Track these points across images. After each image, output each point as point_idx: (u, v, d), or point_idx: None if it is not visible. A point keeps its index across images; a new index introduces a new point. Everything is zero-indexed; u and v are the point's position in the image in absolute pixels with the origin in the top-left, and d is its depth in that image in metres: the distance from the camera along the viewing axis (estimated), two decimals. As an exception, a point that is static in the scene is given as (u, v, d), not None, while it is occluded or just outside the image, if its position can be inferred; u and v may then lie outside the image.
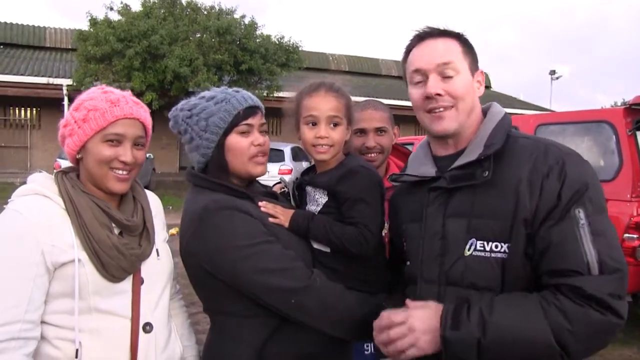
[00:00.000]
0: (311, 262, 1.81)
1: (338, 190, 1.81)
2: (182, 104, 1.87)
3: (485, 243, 1.44)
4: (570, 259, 1.33)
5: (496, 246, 1.42)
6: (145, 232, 1.73)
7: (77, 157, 1.66)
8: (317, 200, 1.88)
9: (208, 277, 1.74)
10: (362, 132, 2.37)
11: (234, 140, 1.79)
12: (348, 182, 1.80)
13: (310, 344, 1.76)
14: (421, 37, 1.60)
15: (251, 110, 1.81)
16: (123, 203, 1.73)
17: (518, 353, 1.32)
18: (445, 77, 1.54)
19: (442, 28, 1.60)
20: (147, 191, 1.90)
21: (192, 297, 2.03)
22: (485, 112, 1.64)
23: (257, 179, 1.95)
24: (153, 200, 1.89)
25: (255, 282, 1.68)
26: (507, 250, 1.41)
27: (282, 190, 2.09)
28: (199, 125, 1.79)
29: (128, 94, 1.72)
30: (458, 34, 1.60)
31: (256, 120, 1.82)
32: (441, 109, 1.55)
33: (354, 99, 1.95)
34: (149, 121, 1.74)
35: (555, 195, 1.37)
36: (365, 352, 2.33)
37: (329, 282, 1.75)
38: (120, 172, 1.65)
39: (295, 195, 2.01)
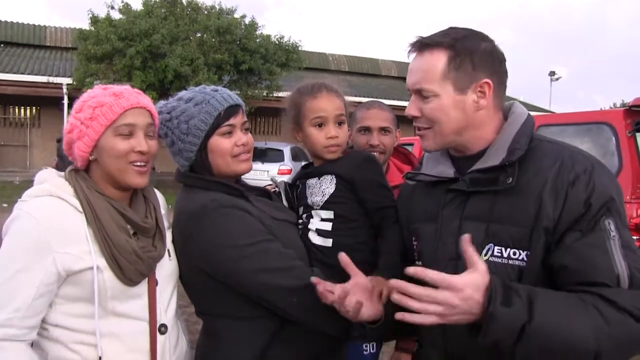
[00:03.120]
0: (307, 260, 1.80)
1: (359, 175, 1.85)
2: (160, 106, 1.83)
3: (503, 249, 1.39)
4: (601, 272, 1.28)
5: (514, 253, 1.38)
6: (158, 233, 1.70)
7: (91, 158, 1.61)
8: (324, 190, 1.87)
9: (205, 278, 1.72)
10: (367, 130, 2.41)
11: (217, 142, 1.76)
12: (369, 167, 1.89)
13: (309, 346, 1.76)
14: (409, 50, 1.53)
15: (232, 110, 1.78)
16: (134, 203, 1.70)
17: (556, 346, 1.23)
18: (424, 98, 1.48)
19: (429, 39, 1.49)
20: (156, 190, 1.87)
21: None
22: (507, 112, 1.56)
23: (246, 179, 1.95)
24: (159, 198, 1.86)
25: (257, 282, 1.66)
26: (525, 259, 1.37)
27: (274, 190, 2.09)
28: (180, 129, 1.76)
29: (128, 86, 1.69)
30: (450, 42, 1.46)
31: (238, 120, 1.79)
32: (421, 129, 1.54)
33: (354, 99, 1.99)
34: (154, 109, 1.71)
35: (581, 204, 1.33)
36: (364, 353, 2.34)
37: (328, 281, 1.74)
38: (139, 164, 1.62)
39: (288, 194, 2.00)
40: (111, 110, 1.58)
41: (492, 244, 1.41)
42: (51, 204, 1.54)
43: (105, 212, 1.57)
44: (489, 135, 1.51)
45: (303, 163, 2.07)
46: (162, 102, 1.85)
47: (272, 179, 2.21)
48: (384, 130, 2.42)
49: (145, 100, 1.67)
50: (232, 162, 1.78)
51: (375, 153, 2.39)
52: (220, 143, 1.76)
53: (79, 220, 1.55)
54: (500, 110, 1.54)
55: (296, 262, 1.71)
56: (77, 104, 1.64)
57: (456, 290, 1.21)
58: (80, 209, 1.56)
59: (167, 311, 1.70)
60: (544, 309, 1.23)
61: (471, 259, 1.25)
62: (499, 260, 1.40)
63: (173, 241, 1.78)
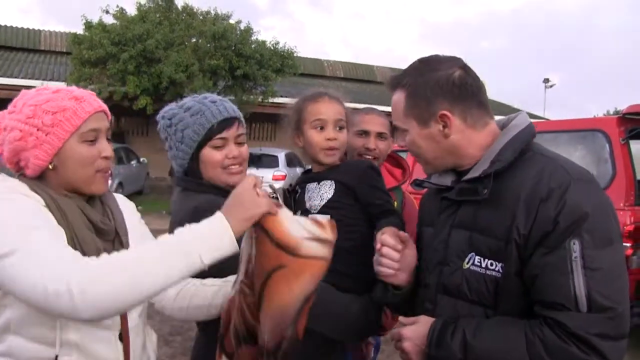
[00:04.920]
0: None
1: (361, 182, 1.89)
2: (165, 110, 1.90)
3: (482, 259, 1.43)
4: (558, 291, 1.29)
5: (491, 264, 1.41)
6: (117, 237, 1.62)
7: (50, 167, 1.50)
8: (322, 195, 1.91)
9: None
10: (365, 133, 2.44)
11: (208, 153, 1.81)
12: (371, 175, 1.92)
13: (306, 345, 1.77)
14: None
15: (226, 123, 1.82)
16: (92, 206, 1.59)
17: None
18: (402, 132, 1.61)
19: (392, 80, 1.60)
20: (115, 194, 1.78)
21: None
22: (507, 123, 1.58)
23: None
24: (122, 202, 1.77)
25: None
26: (500, 270, 1.39)
27: (272, 195, 2.11)
28: (176, 136, 1.83)
29: (74, 87, 1.61)
30: (406, 81, 1.55)
31: (231, 133, 1.84)
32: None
33: (349, 105, 2.02)
34: (109, 112, 1.63)
35: (549, 221, 1.31)
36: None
37: (323, 283, 1.76)
38: (103, 172, 1.55)
39: (287, 199, 2.03)
40: (76, 116, 1.48)
41: (473, 253, 1.45)
42: (18, 197, 1.43)
43: (71, 209, 1.49)
44: (476, 153, 1.53)
45: (298, 169, 2.12)
46: (166, 107, 1.90)
47: (270, 186, 2.25)
48: (380, 135, 2.45)
49: (101, 102, 1.59)
50: (223, 174, 1.83)
51: (370, 157, 2.41)
52: (211, 155, 1.82)
53: (48, 214, 1.44)
54: (486, 126, 1.55)
55: None
56: (22, 109, 1.49)
57: (405, 339, 1.51)
58: (44, 204, 1.45)
59: (132, 318, 1.61)
60: (481, 344, 1.36)
61: (408, 321, 1.54)
62: (478, 269, 1.44)
63: None
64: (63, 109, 1.48)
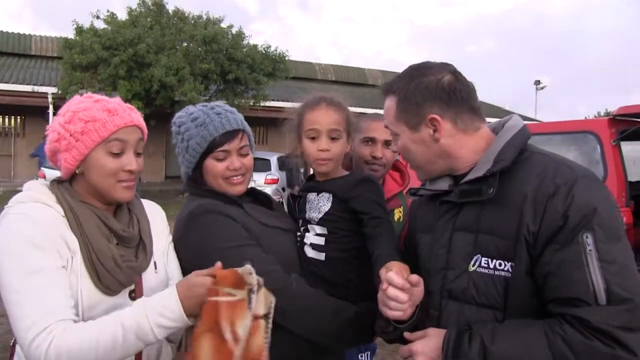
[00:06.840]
0: (298, 265, 1.86)
1: (355, 194, 1.87)
2: (177, 116, 1.94)
3: (490, 260, 1.41)
4: (575, 287, 1.27)
5: (500, 264, 1.39)
6: (141, 244, 1.67)
7: (77, 171, 1.58)
8: (320, 207, 1.91)
9: None
10: (371, 141, 2.39)
11: (210, 164, 1.86)
12: (365, 187, 1.89)
13: (296, 348, 1.78)
14: None
15: (228, 136, 1.85)
16: (118, 214, 1.68)
17: None
18: (394, 137, 1.65)
19: (385, 85, 1.63)
20: (147, 201, 1.84)
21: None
22: (501, 126, 1.59)
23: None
24: (152, 210, 1.84)
25: None
26: (510, 270, 1.38)
27: (280, 200, 2.14)
28: (182, 145, 1.88)
29: (118, 100, 1.66)
30: (397, 87, 1.58)
31: (234, 145, 1.86)
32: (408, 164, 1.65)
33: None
34: (144, 125, 1.69)
35: (559, 217, 1.31)
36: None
37: (307, 287, 1.80)
38: (126, 182, 1.60)
39: (290, 204, 2.05)
40: (104, 127, 1.55)
41: (479, 255, 1.43)
42: (37, 208, 1.52)
43: (88, 218, 1.55)
44: (470, 156, 1.54)
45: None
46: (179, 112, 1.96)
47: (283, 188, 2.26)
48: (387, 143, 2.40)
49: (137, 116, 1.65)
50: (224, 184, 1.88)
51: (376, 166, 2.38)
52: (213, 166, 1.86)
53: (64, 224, 1.52)
54: (478, 130, 1.56)
55: (273, 267, 1.75)
56: (65, 113, 1.59)
57: (417, 354, 1.44)
58: (63, 214, 1.53)
59: None
60: (501, 350, 1.32)
61: (415, 336, 1.48)
62: (486, 271, 1.42)
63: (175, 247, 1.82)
64: (94, 119, 1.55)
